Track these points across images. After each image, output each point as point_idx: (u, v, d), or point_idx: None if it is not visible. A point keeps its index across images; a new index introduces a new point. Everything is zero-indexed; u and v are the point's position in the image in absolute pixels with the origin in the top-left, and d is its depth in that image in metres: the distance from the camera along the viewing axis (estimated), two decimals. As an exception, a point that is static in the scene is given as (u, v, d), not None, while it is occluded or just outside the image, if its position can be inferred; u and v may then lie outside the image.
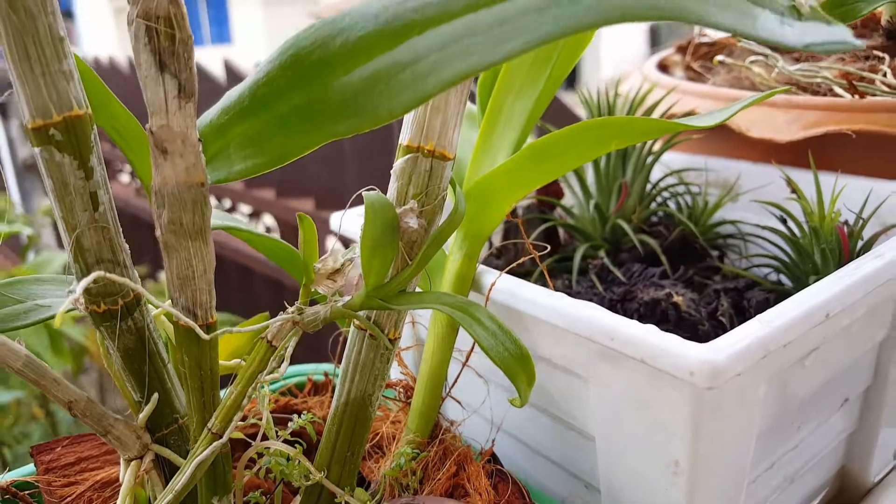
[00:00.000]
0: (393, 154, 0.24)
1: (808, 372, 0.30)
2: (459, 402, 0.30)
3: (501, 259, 0.45)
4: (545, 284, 0.41)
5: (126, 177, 2.34)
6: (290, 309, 0.22)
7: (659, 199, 0.44)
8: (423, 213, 0.22)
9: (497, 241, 0.46)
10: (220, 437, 0.22)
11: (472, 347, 0.29)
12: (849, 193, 0.40)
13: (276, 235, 1.82)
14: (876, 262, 0.29)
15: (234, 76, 1.72)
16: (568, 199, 0.47)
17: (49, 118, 0.19)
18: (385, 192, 0.24)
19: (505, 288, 0.28)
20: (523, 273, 0.44)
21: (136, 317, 0.22)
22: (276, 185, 1.68)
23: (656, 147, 0.43)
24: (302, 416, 0.26)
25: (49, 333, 1.13)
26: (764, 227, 0.41)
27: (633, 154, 0.42)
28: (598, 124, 0.27)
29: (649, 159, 0.42)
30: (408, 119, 0.22)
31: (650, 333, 0.23)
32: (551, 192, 0.48)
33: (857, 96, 0.43)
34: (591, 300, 0.37)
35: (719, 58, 0.46)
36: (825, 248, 0.36)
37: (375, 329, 0.22)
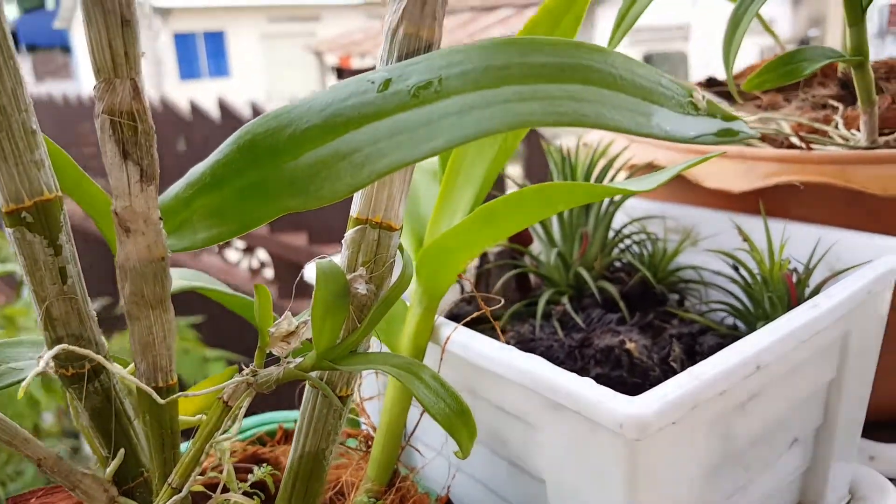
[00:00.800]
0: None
1: (749, 417, 0.31)
2: (419, 451, 0.31)
3: (472, 305, 0.46)
4: (518, 330, 0.43)
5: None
6: (245, 371, 0.23)
7: (622, 246, 0.46)
8: (371, 279, 0.24)
9: (468, 287, 0.48)
10: (180, 491, 0.23)
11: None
12: (800, 241, 0.42)
13: (270, 270, 1.84)
14: (811, 312, 0.31)
15: (227, 114, 1.75)
16: (537, 246, 0.49)
17: (21, 203, 0.21)
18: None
19: (459, 341, 0.30)
20: (496, 317, 0.45)
21: (102, 378, 0.24)
22: (270, 219, 1.71)
23: (617, 196, 0.45)
24: (261, 468, 0.27)
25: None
26: (718, 274, 0.43)
27: (594, 204, 0.44)
28: (543, 189, 0.29)
29: (610, 208, 0.44)
30: (357, 193, 0.24)
31: (585, 387, 0.25)
32: (521, 238, 0.50)
33: (805, 146, 0.45)
34: (552, 346, 0.39)
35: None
36: (772, 295, 0.38)
37: (326, 388, 0.24)
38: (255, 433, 0.36)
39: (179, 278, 0.31)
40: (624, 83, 0.19)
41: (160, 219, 0.22)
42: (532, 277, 0.50)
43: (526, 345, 0.39)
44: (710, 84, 0.59)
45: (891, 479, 0.45)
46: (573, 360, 0.37)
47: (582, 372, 0.37)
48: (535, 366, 0.27)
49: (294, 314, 0.24)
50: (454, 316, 0.46)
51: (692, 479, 0.29)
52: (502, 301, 0.34)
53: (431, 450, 0.38)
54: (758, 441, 0.33)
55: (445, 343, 0.30)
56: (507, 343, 0.40)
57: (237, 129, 0.23)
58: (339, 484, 0.30)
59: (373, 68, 0.22)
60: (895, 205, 0.41)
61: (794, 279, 0.39)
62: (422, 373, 0.23)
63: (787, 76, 0.41)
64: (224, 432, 0.23)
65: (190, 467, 0.23)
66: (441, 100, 0.18)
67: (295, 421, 0.36)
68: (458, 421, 0.23)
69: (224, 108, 1.77)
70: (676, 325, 0.41)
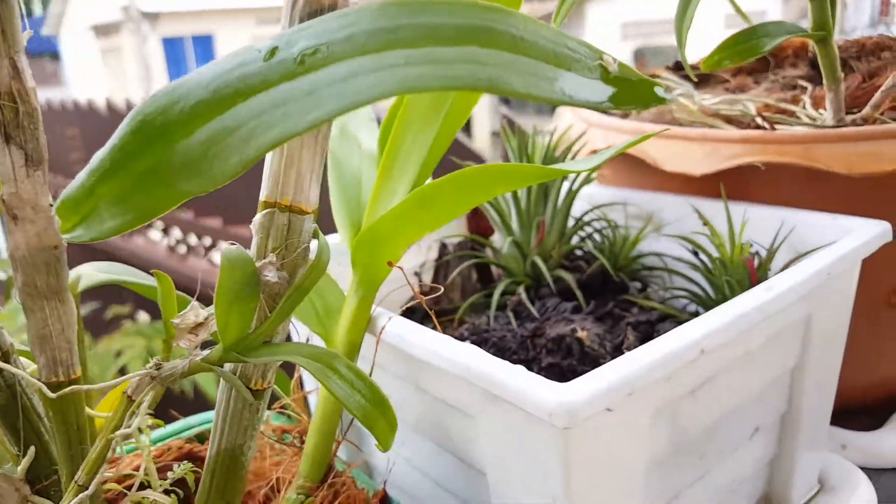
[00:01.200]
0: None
1: (701, 404, 0.30)
2: (356, 445, 0.30)
3: (430, 298, 0.45)
4: (474, 321, 0.41)
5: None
6: (149, 364, 0.22)
7: (582, 234, 0.45)
8: (283, 266, 0.23)
9: (427, 279, 0.47)
10: (87, 488, 0.22)
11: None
12: (765, 224, 0.41)
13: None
14: (762, 295, 0.30)
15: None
16: (500, 238, 0.48)
17: None
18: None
19: (395, 331, 0.29)
20: (453, 309, 0.44)
21: (5, 374, 0.23)
22: (223, 213, 1.70)
23: (576, 183, 0.44)
24: (181, 465, 0.26)
25: None
26: (679, 260, 0.42)
27: (552, 191, 0.43)
28: (480, 171, 0.27)
29: (568, 196, 0.43)
30: (265, 175, 0.23)
31: (514, 375, 0.24)
32: (481, 229, 0.49)
33: (768, 126, 0.44)
34: (504, 336, 0.38)
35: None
36: (729, 279, 0.36)
37: (236, 381, 0.22)
38: (198, 430, 0.35)
39: (104, 272, 0.30)
40: (526, 45, 0.17)
41: (51, 205, 0.21)
42: (495, 269, 0.49)
43: (479, 336, 0.38)
44: (678, 68, 0.58)
45: (865, 468, 0.44)
46: (525, 350, 0.36)
47: (534, 361, 0.35)
48: (468, 355, 0.26)
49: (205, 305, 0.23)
50: (411, 309, 0.45)
51: (638, 469, 0.27)
52: (441, 289, 0.33)
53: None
54: (713, 430, 0.32)
55: (380, 334, 0.29)
56: (462, 335, 0.39)
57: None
58: (271, 480, 0.29)
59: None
60: (860, 183, 0.40)
61: (756, 262, 0.38)
62: (335, 363, 0.22)
63: (745, 53, 0.39)
64: (127, 427, 0.21)
65: (97, 464, 0.22)
66: (328, 66, 0.17)
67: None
68: (376, 412, 0.22)
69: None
70: (636, 313, 0.40)
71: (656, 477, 0.30)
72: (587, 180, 0.43)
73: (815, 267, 0.32)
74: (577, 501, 0.25)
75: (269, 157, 0.23)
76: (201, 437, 0.34)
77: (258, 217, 0.23)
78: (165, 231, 2.20)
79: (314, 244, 0.24)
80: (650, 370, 0.24)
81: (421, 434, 0.32)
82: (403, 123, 0.32)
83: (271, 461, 0.31)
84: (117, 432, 0.21)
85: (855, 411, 0.48)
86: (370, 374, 0.29)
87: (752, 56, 0.40)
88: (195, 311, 0.22)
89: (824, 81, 0.44)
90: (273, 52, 0.18)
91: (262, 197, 0.23)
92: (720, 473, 0.34)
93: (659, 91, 0.19)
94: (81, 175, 0.23)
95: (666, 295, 0.43)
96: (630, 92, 0.18)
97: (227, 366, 0.24)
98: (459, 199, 0.28)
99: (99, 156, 0.23)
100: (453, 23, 0.17)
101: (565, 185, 0.44)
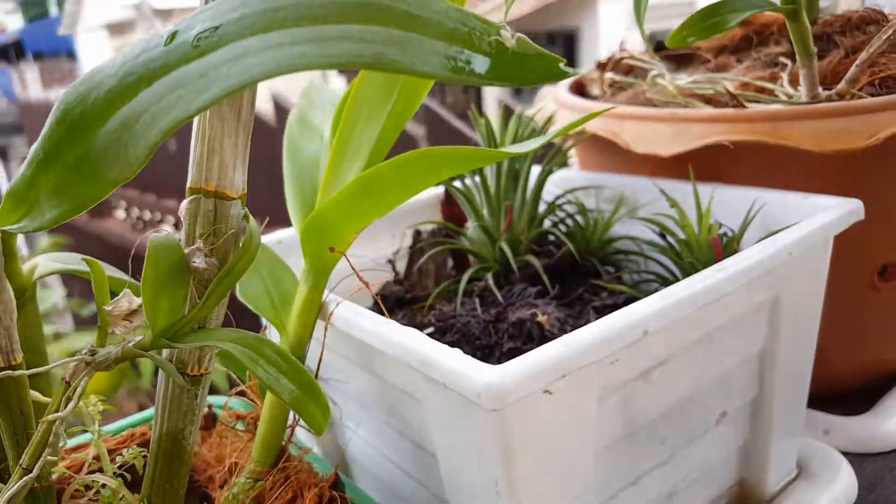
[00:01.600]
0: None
1: (656, 388, 0.30)
2: (310, 431, 0.30)
3: (402, 286, 0.45)
4: (441, 308, 0.41)
5: (122, 213, 2.38)
6: (84, 349, 0.22)
7: (554, 219, 0.45)
8: (213, 251, 0.23)
9: (401, 267, 0.47)
10: (31, 471, 0.23)
11: (317, 370, 0.30)
12: (737, 204, 0.40)
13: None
14: (715, 275, 0.29)
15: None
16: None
17: None
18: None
19: (344, 316, 0.29)
20: (426, 296, 0.44)
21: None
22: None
23: (547, 167, 0.43)
24: (130, 449, 0.27)
25: None
26: (649, 244, 0.41)
27: (521, 176, 0.43)
28: (423, 154, 0.27)
29: (538, 180, 0.43)
30: (190, 161, 0.23)
31: (448, 357, 0.24)
32: (455, 216, 0.49)
33: (739, 104, 0.43)
34: (469, 322, 0.38)
35: (609, 75, 0.46)
36: (692, 261, 0.36)
37: (168, 366, 0.23)
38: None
39: (58, 262, 0.30)
40: (417, 21, 0.17)
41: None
42: (471, 256, 0.48)
43: (446, 322, 0.38)
44: (659, 48, 0.57)
45: (848, 454, 0.43)
46: (488, 335, 0.35)
47: (496, 346, 0.35)
48: (409, 338, 0.26)
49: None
50: (384, 296, 0.45)
51: (586, 453, 0.27)
52: (395, 275, 0.33)
53: (348, 429, 0.37)
54: (673, 415, 0.32)
55: (329, 318, 0.29)
56: (428, 321, 0.39)
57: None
58: (226, 466, 0.29)
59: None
60: (833, 161, 0.39)
61: (724, 243, 0.37)
62: (264, 348, 0.22)
63: (710, 29, 0.39)
64: (61, 412, 0.22)
65: (40, 448, 0.23)
66: (220, 48, 0.17)
67: (209, 405, 0.35)
68: (304, 396, 0.22)
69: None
70: (604, 297, 0.39)
71: (609, 461, 0.29)
72: (554, 164, 0.43)
73: (774, 247, 0.32)
74: (520, 485, 0.25)
75: (192, 142, 0.23)
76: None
77: (185, 203, 0.23)
78: (176, 226, 2.22)
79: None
80: (586, 352, 0.24)
81: (377, 418, 0.32)
82: (355, 108, 0.32)
83: (232, 447, 0.32)
84: (51, 415, 0.21)
85: (839, 396, 0.48)
86: (320, 359, 0.29)
87: (718, 32, 0.39)
88: (128, 298, 0.23)
89: (797, 57, 0.43)
90: (173, 35, 0.18)
91: (188, 183, 0.23)
92: (685, 459, 0.34)
93: (564, 66, 0.19)
94: (22, 167, 0.24)
95: (637, 279, 0.42)
96: (521, 67, 0.17)
97: (165, 352, 0.24)
98: (403, 183, 0.28)
99: (34, 146, 0.23)
100: (338, 0, 0.17)
101: (536, 170, 0.44)
